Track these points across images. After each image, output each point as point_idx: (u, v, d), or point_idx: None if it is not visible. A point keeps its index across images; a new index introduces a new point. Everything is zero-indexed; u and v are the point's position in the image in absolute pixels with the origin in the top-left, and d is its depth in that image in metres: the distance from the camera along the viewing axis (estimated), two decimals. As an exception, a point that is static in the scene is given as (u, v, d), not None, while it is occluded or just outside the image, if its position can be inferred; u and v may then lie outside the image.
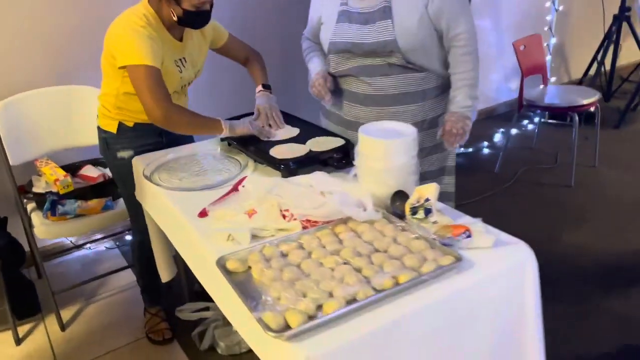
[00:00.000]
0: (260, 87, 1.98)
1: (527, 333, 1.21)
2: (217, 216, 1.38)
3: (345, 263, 1.15)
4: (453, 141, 1.67)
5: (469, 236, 1.20)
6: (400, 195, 1.35)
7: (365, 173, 1.41)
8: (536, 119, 4.16)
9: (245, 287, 1.10)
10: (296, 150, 1.69)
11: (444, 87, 1.75)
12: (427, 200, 1.28)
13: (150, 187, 1.66)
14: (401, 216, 1.33)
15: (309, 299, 1.01)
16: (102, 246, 2.89)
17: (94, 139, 2.39)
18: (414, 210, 1.30)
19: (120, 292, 2.50)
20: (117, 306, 2.40)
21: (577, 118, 3.19)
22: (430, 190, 1.29)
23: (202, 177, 1.66)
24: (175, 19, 1.70)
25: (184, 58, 1.83)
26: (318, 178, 1.47)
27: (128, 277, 2.59)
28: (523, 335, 1.20)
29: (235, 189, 1.55)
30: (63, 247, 2.80)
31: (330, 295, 1.04)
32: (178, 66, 1.81)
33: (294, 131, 1.86)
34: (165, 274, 2.02)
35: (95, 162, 2.45)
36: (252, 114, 2.02)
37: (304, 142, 1.74)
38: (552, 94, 3.44)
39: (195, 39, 1.87)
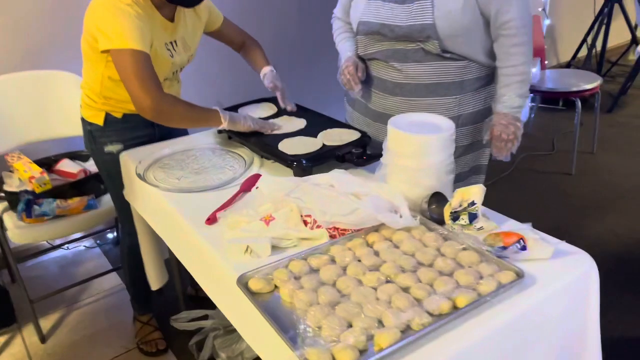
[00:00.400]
0: (268, 67, 1.80)
1: (588, 345, 1.09)
2: (230, 223, 1.20)
3: (388, 281, 0.99)
4: (503, 148, 1.48)
5: (524, 247, 1.05)
6: (437, 198, 1.20)
7: (395, 172, 1.25)
8: (532, 104, 4.07)
9: (274, 312, 0.94)
10: (308, 145, 1.51)
11: (486, 79, 1.56)
12: (472, 204, 1.13)
13: (143, 187, 1.47)
14: (439, 222, 1.18)
15: (357, 329, 0.86)
16: (81, 245, 2.67)
17: (71, 130, 2.18)
18: (455, 216, 1.15)
19: (106, 297, 2.29)
20: (103, 313, 2.20)
21: (579, 103, 3.08)
22: (475, 192, 1.13)
23: (202, 175, 1.47)
24: None
25: (175, 41, 1.62)
26: (339, 177, 1.30)
27: (113, 279, 2.38)
28: (584, 347, 1.08)
29: (244, 189, 1.37)
30: (38, 248, 2.57)
31: (380, 323, 0.88)
32: (169, 50, 1.60)
33: (300, 122, 1.68)
34: (155, 282, 1.83)
35: (73, 156, 2.23)
36: (247, 103, 1.83)
37: (314, 135, 1.57)
38: (552, 78, 3.33)
39: (188, 19, 1.67)
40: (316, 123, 1.65)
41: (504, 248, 1.06)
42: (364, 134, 1.54)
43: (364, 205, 1.14)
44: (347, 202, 1.16)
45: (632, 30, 4.51)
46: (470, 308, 0.90)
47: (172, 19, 1.60)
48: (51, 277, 2.45)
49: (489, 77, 1.55)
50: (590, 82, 3.14)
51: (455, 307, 0.91)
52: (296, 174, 1.42)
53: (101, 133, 1.69)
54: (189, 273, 1.35)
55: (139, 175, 1.47)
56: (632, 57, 4.85)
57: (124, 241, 1.89)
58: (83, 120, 1.72)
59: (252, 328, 1.02)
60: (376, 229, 1.15)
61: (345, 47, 1.65)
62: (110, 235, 2.72)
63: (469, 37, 1.44)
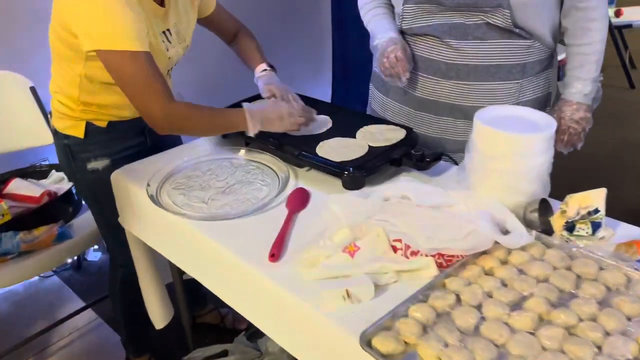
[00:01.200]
0: (264, 66, 1.51)
1: None
2: (306, 260, 0.96)
3: (542, 321, 0.81)
4: (570, 142, 1.33)
5: (669, 257, 0.91)
6: (545, 206, 1.03)
7: (486, 177, 1.06)
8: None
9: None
10: (351, 148, 1.28)
11: (546, 62, 1.38)
12: (595, 211, 0.97)
13: (158, 214, 1.17)
14: (548, 233, 1.01)
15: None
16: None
17: (23, 142, 1.79)
18: (571, 226, 0.99)
19: (82, 337, 1.94)
20: (84, 358, 1.85)
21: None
22: (596, 197, 0.97)
23: (233, 196, 1.20)
24: None
25: (168, 30, 1.32)
26: (413, 188, 1.10)
27: (86, 313, 2.02)
28: None
29: (293, 209, 1.13)
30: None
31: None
32: (163, 42, 1.30)
33: (325, 120, 1.44)
34: (159, 319, 1.53)
35: (23, 173, 1.84)
36: (241, 103, 1.54)
37: (351, 135, 1.34)
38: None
39: (180, 2, 1.36)
40: (344, 119, 1.42)
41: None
42: (409, 130, 1.34)
43: (479, 225, 0.94)
44: (456, 223, 0.95)
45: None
46: (664, 349, 0.74)
47: (162, 3, 1.29)
48: (5, 321, 2.04)
49: (549, 60, 1.38)
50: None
51: (642, 349, 0.75)
52: (347, 186, 1.20)
53: (82, 147, 1.36)
54: (195, 298, 1.09)
55: (154, 200, 1.17)
56: None
57: (115, 274, 1.57)
58: (56, 133, 1.37)
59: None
60: (486, 252, 0.96)
61: (382, 25, 1.39)
62: (68, 259, 2.33)
63: (542, 7, 1.26)
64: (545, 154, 1.02)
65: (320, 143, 1.31)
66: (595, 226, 0.97)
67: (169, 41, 1.31)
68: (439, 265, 0.93)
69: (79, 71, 1.26)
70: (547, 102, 1.44)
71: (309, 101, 1.48)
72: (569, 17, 1.30)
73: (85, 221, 1.70)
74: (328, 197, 1.12)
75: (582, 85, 1.32)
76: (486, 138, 1.04)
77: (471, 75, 1.32)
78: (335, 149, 1.29)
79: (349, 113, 1.51)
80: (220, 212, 1.14)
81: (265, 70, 1.49)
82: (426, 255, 0.94)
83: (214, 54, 2.05)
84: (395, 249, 0.97)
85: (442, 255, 0.94)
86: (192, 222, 1.12)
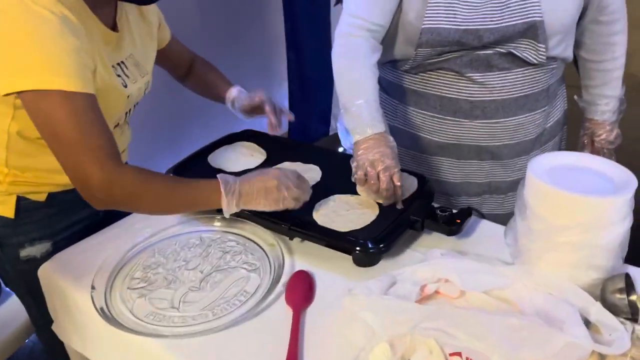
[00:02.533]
0: (237, 87, 1.25)
1: None
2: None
3: None
4: None
5: None
6: (628, 282, 0.80)
7: (550, 249, 0.82)
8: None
9: None
10: (357, 209, 1.01)
11: (563, 79, 1.20)
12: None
13: (108, 329, 0.85)
14: (635, 318, 0.79)
15: None
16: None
17: None
18: (669, 308, 0.76)
19: None
20: None
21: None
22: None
23: (213, 291, 0.89)
24: None
25: (123, 62, 1.00)
26: (452, 268, 0.84)
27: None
28: None
29: (298, 307, 0.84)
30: None
31: None
32: (120, 76, 0.98)
33: (314, 171, 1.16)
34: None
35: None
36: (214, 147, 1.24)
37: (349, 190, 1.06)
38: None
39: (134, 27, 1.05)
40: (336, 166, 1.14)
41: None
42: (422, 179, 1.08)
43: (571, 334, 0.69)
44: (539, 330, 0.70)
45: None
46: None
47: (114, 27, 0.98)
48: None
49: (564, 75, 1.20)
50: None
51: None
52: (359, 263, 0.93)
53: (12, 230, 1.02)
54: None
55: (104, 314, 0.85)
56: None
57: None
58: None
59: None
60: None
61: (367, 99, 1.01)
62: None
63: (570, 32, 1.06)
64: (628, 217, 0.79)
65: (316, 206, 1.03)
66: None
67: (126, 75, 1.00)
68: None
69: (6, 126, 0.92)
70: (566, 120, 1.26)
71: (291, 144, 1.20)
72: (589, 31, 1.13)
73: (10, 313, 1.33)
74: (339, 279, 0.86)
75: (610, 104, 1.16)
76: (551, 201, 0.80)
77: (500, 111, 1.09)
78: (337, 213, 1.01)
79: (339, 157, 1.24)
80: (200, 326, 0.82)
81: (239, 90, 1.24)
82: (501, 376, 0.68)
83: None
84: (454, 366, 0.71)
85: (523, 374, 0.69)
86: (163, 342, 0.80)
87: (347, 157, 1.08)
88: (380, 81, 1.18)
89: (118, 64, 0.98)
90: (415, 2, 1.02)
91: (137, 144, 1.24)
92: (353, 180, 1.02)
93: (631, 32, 1.12)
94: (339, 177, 1.09)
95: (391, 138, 1.01)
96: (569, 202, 0.78)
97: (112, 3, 0.96)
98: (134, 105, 1.09)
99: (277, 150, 1.24)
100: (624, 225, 0.79)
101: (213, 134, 1.33)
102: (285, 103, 2.71)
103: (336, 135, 2.44)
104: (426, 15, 1.01)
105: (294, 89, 2.54)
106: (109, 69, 0.94)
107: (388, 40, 1.10)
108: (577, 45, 1.15)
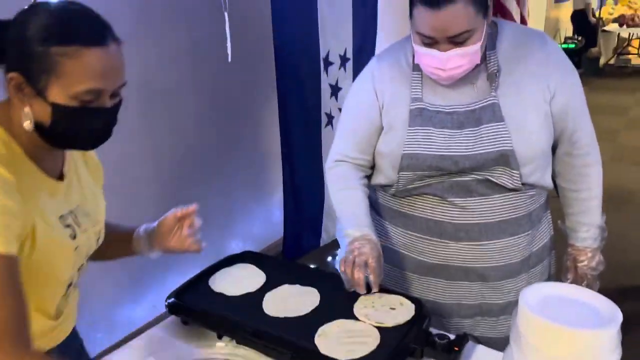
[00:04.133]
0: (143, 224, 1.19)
1: None
2: None
3: None
4: (588, 286, 1.18)
5: None
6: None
7: (547, 382, 0.85)
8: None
9: None
10: (358, 336, 1.04)
11: (546, 205, 1.29)
12: None
13: None
14: None
15: None
16: None
17: None
18: None
19: None
20: None
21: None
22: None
23: None
24: (33, 131, 0.87)
25: (71, 212, 0.98)
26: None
27: None
28: None
29: None
30: None
31: None
32: (68, 225, 0.96)
33: (313, 293, 1.19)
34: None
35: None
36: (214, 269, 1.25)
37: (346, 314, 1.09)
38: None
39: (82, 177, 1.05)
40: (332, 290, 1.18)
41: None
42: (418, 303, 1.12)
43: None
44: None
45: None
46: None
47: (60, 176, 0.98)
48: None
49: (547, 202, 1.28)
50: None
51: None
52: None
53: None
54: None
55: None
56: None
57: None
58: None
59: None
60: None
61: (355, 215, 1.19)
62: None
63: (544, 161, 1.16)
64: (617, 349, 0.83)
65: (320, 330, 1.05)
66: None
67: (76, 224, 0.98)
68: None
69: None
70: (553, 245, 1.33)
71: (290, 266, 1.24)
72: (563, 163, 1.22)
73: None
74: None
75: (590, 231, 1.23)
76: (543, 333, 0.84)
77: (483, 234, 1.17)
78: (338, 340, 1.03)
79: (337, 280, 1.28)
80: None
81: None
82: None
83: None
84: None
85: None
86: None
87: (335, 277, 1.14)
88: (372, 202, 1.29)
89: (68, 214, 0.96)
90: (396, 135, 1.15)
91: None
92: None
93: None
94: (337, 300, 1.13)
95: (375, 238, 1.15)
96: (561, 334, 0.82)
97: (58, 153, 0.96)
98: (87, 260, 1.05)
99: (276, 273, 1.28)
100: (616, 354, 0.83)
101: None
102: (280, 213, 2.79)
103: (326, 246, 2.50)
104: (406, 142, 1.14)
105: (288, 200, 2.63)
106: (52, 222, 0.91)
107: (375, 166, 1.23)
108: (555, 174, 1.25)
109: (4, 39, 0.85)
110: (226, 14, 2.03)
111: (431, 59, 1.07)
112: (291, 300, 1.17)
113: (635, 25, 7.40)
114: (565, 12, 7.92)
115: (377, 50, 2.66)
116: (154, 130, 2.29)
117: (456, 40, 1.04)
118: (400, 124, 1.15)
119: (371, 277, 1.10)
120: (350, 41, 2.45)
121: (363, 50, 2.55)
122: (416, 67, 1.16)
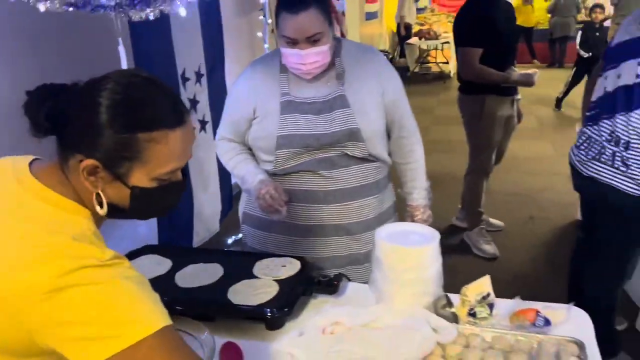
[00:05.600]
0: None
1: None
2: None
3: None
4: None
5: (547, 321, 1.18)
6: (447, 300, 1.24)
7: (400, 287, 1.23)
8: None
9: None
10: (260, 288, 1.32)
11: (389, 176, 1.68)
12: (487, 295, 1.22)
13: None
14: (456, 321, 1.22)
15: None
16: None
17: None
18: (473, 312, 1.21)
19: None
20: None
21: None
22: (485, 283, 1.23)
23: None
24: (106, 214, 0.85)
25: None
26: (341, 313, 1.20)
27: None
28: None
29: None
30: None
31: None
32: None
33: (216, 267, 1.45)
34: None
35: None
36: None
37: (248, 274, 1.38)
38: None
39: None
40: (230, 262, 1.45)
41: (533, 325, 1.18)
42: (302, 260, 1.44)
43: (423, 332, 1.09)
44: (405, 335, 1.08)
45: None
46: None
47: None
48: None
49: (390, 174, 1.69)
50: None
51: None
52: (271, 327, 1.23)
53: None
54: None
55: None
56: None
57: None
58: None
59: None
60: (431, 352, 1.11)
61: (249, 170, 1.55)
62: None
63: (382, 137, 1.57)
64: (439, 259, 1.25)
65: (230, 290, 1.31)
66: (491, 307, 1.21)
67: None
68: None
69: None
70: (396, 207, 1.74)
71: (186, 252, 1.48)
72: (397, 144, 1.64)
73: None
74: (257, 343, 1.14)
75: (420, 192, 1.65)
76: (395, 255, 1.23)
77: (346, 197, 1.54)
78: (245, 292, 1.30)
79: (230, 254, 1.55)
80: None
81: None
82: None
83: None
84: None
85: (403, 367, 1.05)
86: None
87: (241, 254, 1.41)
88: None
89: None
90: (272, 121, 1.49)
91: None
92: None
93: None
94: (238, 268, 1.41)
95: (272, 180, 1.51)
96: (404, 253, 1.22)
97: None
98: None
99: (179, 258, 1.49)
100: (438, 264, 1.25)
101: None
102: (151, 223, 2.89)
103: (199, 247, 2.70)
104: (279, 126, 1.49)
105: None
106: None
107: (255, 153, 1.58)
108: (392, 154, 1.65)
109: (62, 109, 0.79)
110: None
111: (294, 57, 1.41)
112: (199, 275, 1.41)
113: (432, 38, 8.73)
114: (377, 28, 9.06)
115: (227, 65, 2.97)
116: None
117: (312, 39, 1.39)
118: (274, 112, 1.49)
119: (282, 197, 1.45)
120: (202, 58, 2.71)
121: (215, 66, 2.83)
122: (283, 69, 1.50)
